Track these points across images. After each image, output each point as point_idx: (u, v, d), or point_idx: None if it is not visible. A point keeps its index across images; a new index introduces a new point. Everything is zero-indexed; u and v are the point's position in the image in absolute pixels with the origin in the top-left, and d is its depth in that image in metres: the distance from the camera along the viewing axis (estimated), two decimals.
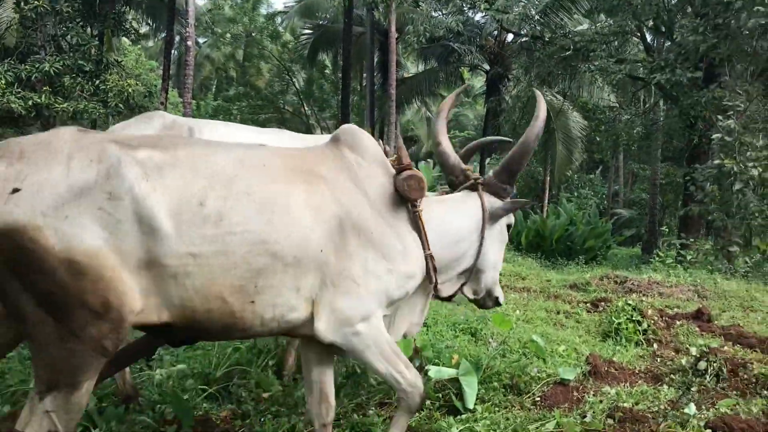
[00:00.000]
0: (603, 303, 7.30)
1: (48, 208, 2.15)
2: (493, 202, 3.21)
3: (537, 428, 3.69)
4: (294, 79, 30.28)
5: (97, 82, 15.55)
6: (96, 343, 2.23)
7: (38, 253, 2.12)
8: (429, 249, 2.94)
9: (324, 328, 2.63)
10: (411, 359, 4.43)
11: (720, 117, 12.60)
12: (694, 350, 4.94)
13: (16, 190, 2.15)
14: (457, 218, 3.15)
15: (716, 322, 6.80)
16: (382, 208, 2.85)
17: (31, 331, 2.23)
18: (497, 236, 3.28)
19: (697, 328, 6.22)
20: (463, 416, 3.82)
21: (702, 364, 4.71)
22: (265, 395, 3.88)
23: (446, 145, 3.33)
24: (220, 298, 2.40)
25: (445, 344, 5.02)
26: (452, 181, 3.35)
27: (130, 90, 17.44)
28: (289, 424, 3.54)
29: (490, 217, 3.19)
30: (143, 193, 2.28)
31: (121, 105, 17.62)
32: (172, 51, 27.30)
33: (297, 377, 4.17)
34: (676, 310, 7.33)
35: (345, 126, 3.07)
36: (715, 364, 4.71)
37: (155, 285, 2.31)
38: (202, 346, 4.52)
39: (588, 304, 7.55)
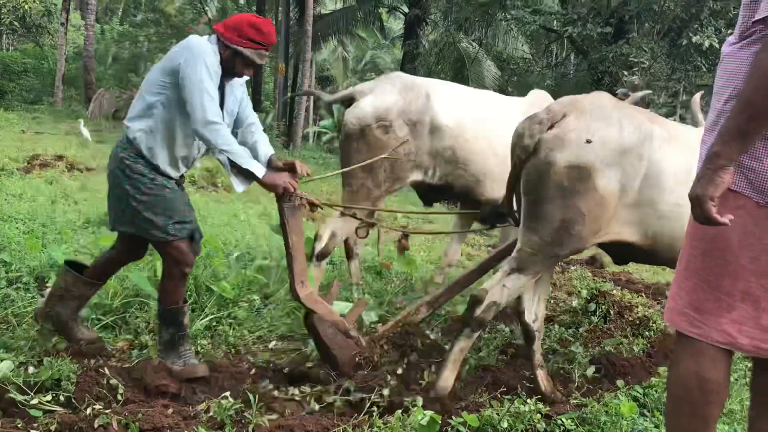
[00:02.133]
0: None
1: (605, 158, 3.06)
2: None
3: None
4: (206, 8, 29.06)
5: None
6: (568, 252, 3.26)
7: (590, 186, 3.04)
8: None
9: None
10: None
11: (626, 72, 13.02)
12: (584, 293, 5.19)
13: (589, 141, 3.06)
14: None
15: (607, 268, 7.15)
16: None
17: (542, 231, 3.16)
18: None
19: (589, 274, 6.53)
20: None
21: (592, 306, 4.96)
22: None
23: None
24: (679, 236, 2.98)
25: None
26: None
27: (26, 7, 16.31)
28: None
29: None
30: (658, 159, 3.14)
31: (16, 23, 16.49)
32: None
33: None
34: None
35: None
36: (603, 307, 4.97)
37: (636, 218, 3.20)
38: None
39: (490, 248, 7.78)
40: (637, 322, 4.88)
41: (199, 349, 3.58)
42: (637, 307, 5.18)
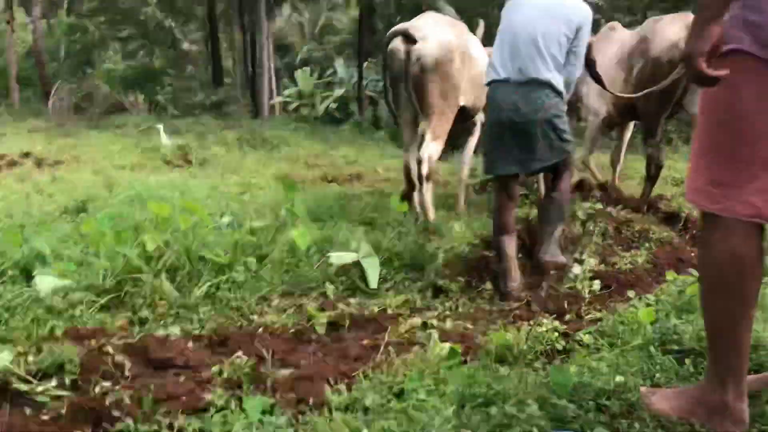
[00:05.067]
0: None
1: None
2: None
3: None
4: None
5: None
6: None
7: None
8: None
9: None
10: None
11: None
12: (581, 213, 5.13)
13: None
14: None
15: (596, 191, 7.08)
16: None
17: None
18: None
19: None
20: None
21: (589, 225, 4.93)
22: (161, 301, 3.69)
23: None
24: None
25: (345, 234, 4.98)
26: None
27: None
28: (191, 325, 3.42)
29: None
30: None
31: None
32: None
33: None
34: None
35: None
36: (601, 224, 4.93)
37: None
38: (87, 260, 4.22)
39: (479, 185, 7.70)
40: (637, 236, 4.87)
41: (201, 316, 3.47)
42: (632, 221, 5.16)
